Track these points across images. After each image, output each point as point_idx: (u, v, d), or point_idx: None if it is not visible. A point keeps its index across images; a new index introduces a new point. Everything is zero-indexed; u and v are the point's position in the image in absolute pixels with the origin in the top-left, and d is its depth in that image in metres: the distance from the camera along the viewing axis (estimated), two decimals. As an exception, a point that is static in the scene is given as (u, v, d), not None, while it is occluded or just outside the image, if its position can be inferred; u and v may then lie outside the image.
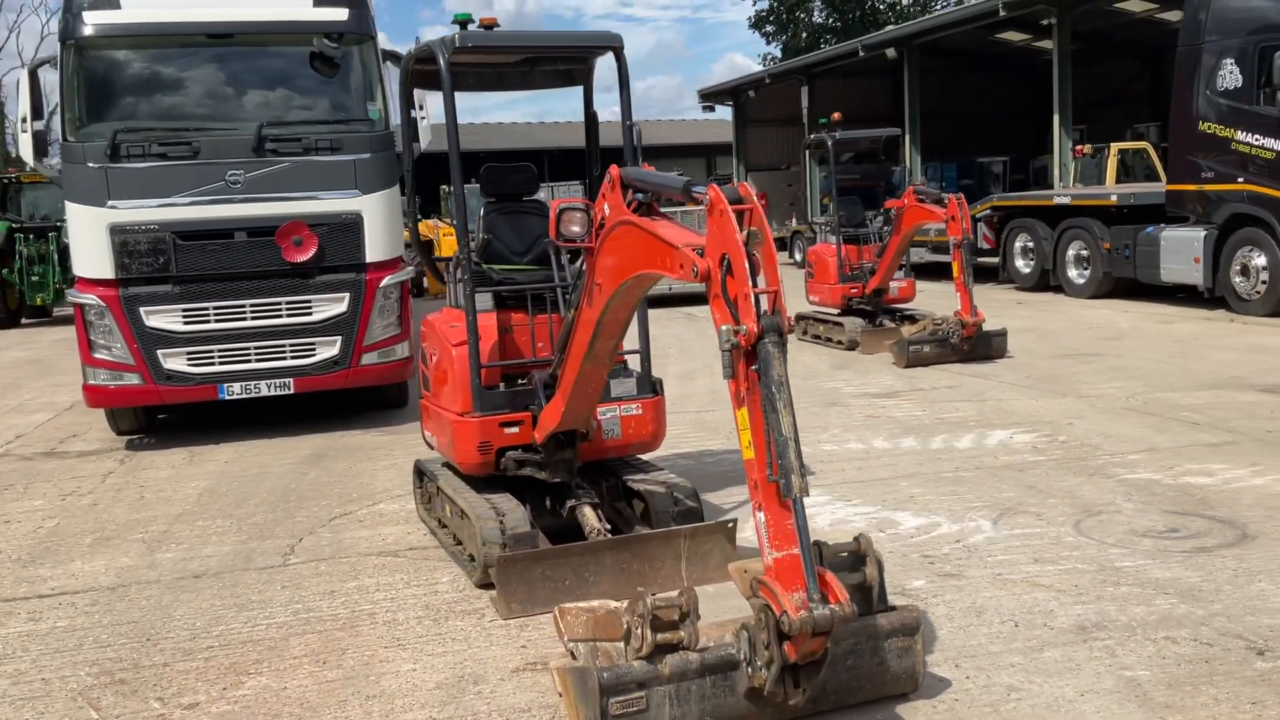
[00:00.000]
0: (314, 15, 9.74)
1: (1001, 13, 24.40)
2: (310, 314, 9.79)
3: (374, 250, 9.88)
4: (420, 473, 6.82)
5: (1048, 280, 18.34)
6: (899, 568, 5.47)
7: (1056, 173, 23.81)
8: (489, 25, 6.12)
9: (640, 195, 4.34)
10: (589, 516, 5.64)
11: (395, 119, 10.22)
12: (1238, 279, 14.71)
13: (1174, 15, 28.44)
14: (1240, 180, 14.45)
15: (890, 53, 29.49)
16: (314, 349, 9.83)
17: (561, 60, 6.33)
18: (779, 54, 50.20)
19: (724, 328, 3.60)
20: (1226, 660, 4.25)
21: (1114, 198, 17.07)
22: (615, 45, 5.92)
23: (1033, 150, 31.69)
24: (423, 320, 6.59)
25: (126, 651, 4.96)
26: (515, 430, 5.76)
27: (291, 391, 9.78)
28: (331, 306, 9.83)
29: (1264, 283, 14.32)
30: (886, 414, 9.40)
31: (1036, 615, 4.79)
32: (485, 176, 6.60)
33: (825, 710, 3.90)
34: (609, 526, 5.61)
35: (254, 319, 9.66)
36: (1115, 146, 22.73)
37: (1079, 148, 23.23)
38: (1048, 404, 9.49)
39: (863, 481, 7.22)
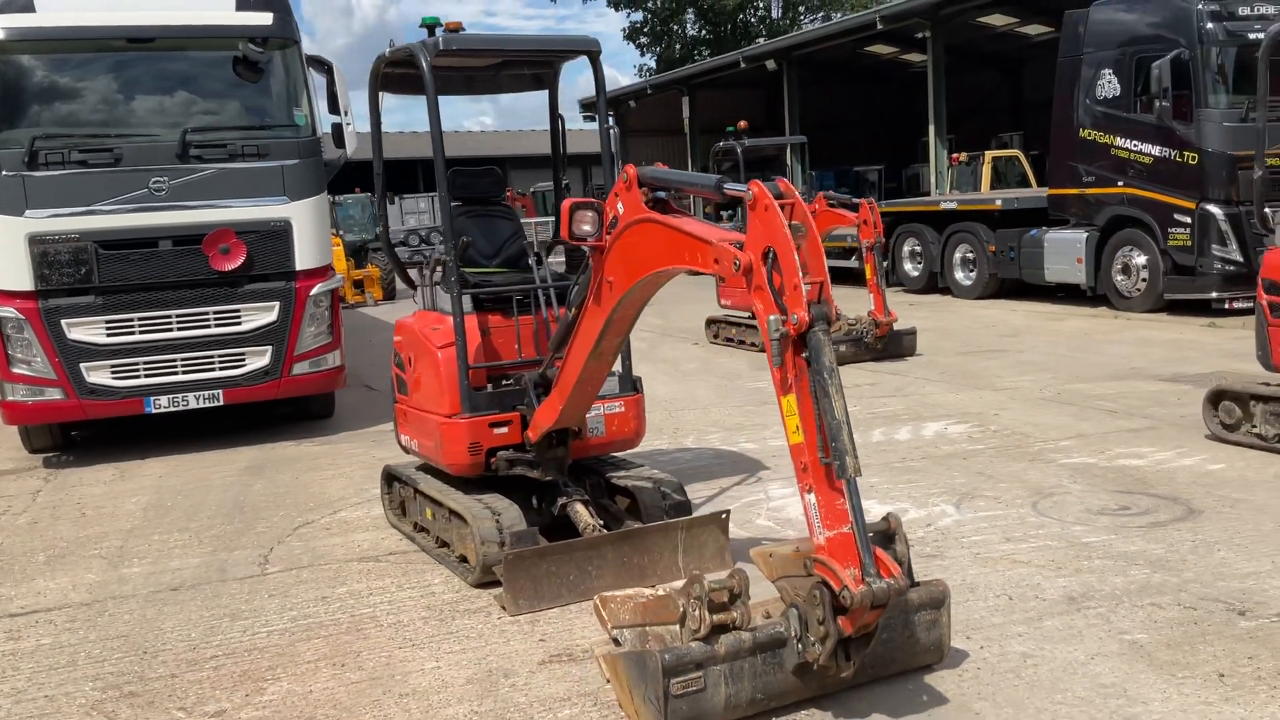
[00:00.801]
0: (237, 19, 9.56)
1: (879, 25, 25.31)
2: (239, 323, 9.58)
3: (304, 258, 9.74)
4: (391, 478, 6.78)
5: (936, 282, 19.04)
6: (882, 552, 5.68)
7: (933, 180, 24.74)
8: (455, 29, 6.18)
9: (661, 194, 4.46)
10: (582, 513, 5.71)
11: (324, 124, 10.13)
12: (1119, 277, 15.55)
13: (1033, 29, 29.95)
14: (1120, 184, 15.29)
15: (770, 64, 30.27)
16: (244, 359, 9.63)
17: (536, 64, 6.40)
18: (654, 65, 50.74)
19: (771, 318, 3.74)
20: (1212, 621, 4.58)
21: (998, 202, 17.85)
22: (592, 50, 6.04)
23: (904, 158, 32.86)
24: (395, 325, 6.56)
25: (127, 665, 4.84)
26: (504, 430, 5.80)
27: (221, 403, 9.56)
28: (261, 315, 9.64)
29: (1144, 280, 15.18)
30: (820, 410, 9.68)
31: (1026, 589, 5.07)
32: (452, 180, 6.62)
33: (861, 682, 4.07)
34: (601, 522, 5.70)
35: (181, 330, 9.42)
36: (989, 154, 23.73)
37: (955, 156, 24.19)
38: (969, 397, 9.92)
39: (820, 474, 7.45)
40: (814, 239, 3.76)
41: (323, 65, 10.06)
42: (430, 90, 5.73)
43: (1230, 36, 14.10)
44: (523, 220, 7.13)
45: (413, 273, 6.94)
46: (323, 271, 9.99)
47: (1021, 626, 4.64)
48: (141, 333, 9.30)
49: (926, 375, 11.23)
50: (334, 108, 10.04)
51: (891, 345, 12.37)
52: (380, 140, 6.53)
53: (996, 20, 28.73)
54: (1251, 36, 14.16)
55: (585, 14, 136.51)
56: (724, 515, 5.61)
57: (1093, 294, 16.12)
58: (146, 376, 9.35)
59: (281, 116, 9.87)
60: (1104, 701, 3.93)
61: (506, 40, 5.94)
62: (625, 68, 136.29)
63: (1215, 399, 7.78)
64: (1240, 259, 14.09)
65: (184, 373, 9.44)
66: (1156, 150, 14.75)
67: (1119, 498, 6.51)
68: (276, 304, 9.66)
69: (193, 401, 9.46)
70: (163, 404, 9.37)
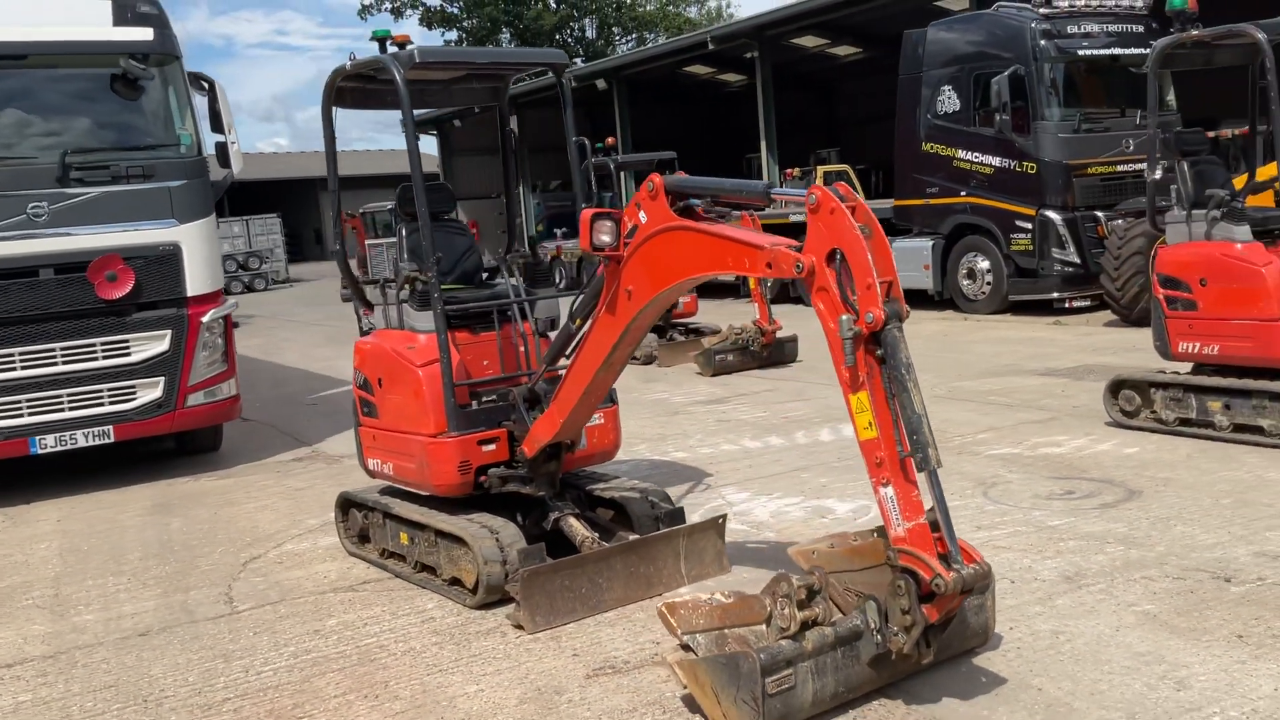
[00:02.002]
0: (116, 35, 9.07)
1: (711, 45, 26.00)
2: (129, 354, 9.06)
3: (195, 283, 9.29)
4: (349, 505, 6.55)
5: (788, 292, 19.60)
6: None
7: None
8: (403, 42, 6.07)
9: (696, 201, 4.51)
10: (577, 527, 5.68)
11: (208, 144, 9.70)
12: (965, 282, 16.41)
13: (843, 50, 31.30)
14: (963, 194, 16.16)
15: (600, 83, 30.58)
16: (135, 392, 9.11)
17: (498, 77, 6.34)
18: (469, 84, 50.43)
19: (844, 318, 3.84)
20: (1206, 590, 4.93)
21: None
22: (559, 63, 6.03)
23: (729, 175, 33.75)
24: (355, 347, 6.35)
25: (131, 714, 4.53)
26: (493, 448, 5.71)
27: (112, 440, 9.01)
28: (152, 345, 9.15)
29: (989, 284, 16.07)
30: (734, 418, 9.88)
31: (1022, 572, 5.33)
32: (402, 196, 6.48)
33: (920, 669, 4.20)
34: (596, 534, 5.67)
35: (66, 363, 8.84)
36: (821, 169, 24.60)
37: (789, 170, 25.01)
38: (869, 399, 10.28)
39: (766, 477, 7.62)
40: (880, 239, 3.89)
41: (205, 82, 9.63)
42: (406, 104, 5.60)
43: (1061, 53, 15.13)
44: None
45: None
46: (214, 297, 9.56)
47: (1037, 607, 4.88)
48: (24, 368, 8.69)
49: (817, 380, 11.57)
50: (217, 126, 9.64)
51: (775, 352, 12.72)
52: (335, 155, 6.33)
53: (809, 42, 29.87)
54: (1080, 53, 15.27)
55: (398, 30, 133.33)
56: (720, 520, 5.68)
57: (940, 298, 16.95)
58: (30, 415, 8.73)
59: (165, 136, 9.40)
60: (1148, 668, 4.18)
61: (478, 54, 5.86)
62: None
63: (1115, 388, 8.34)
64: (1078, 260, 15.10)
65: (71, 409, 8.87)
66: (996, 161, 15.66)
67: (1060, 483, 6.90)
68: (168, 333, 9.19)
69: (81, 440, 8.89)
70: (49, 444, 8.77)
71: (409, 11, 50.63)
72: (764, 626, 3.93)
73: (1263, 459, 7.07)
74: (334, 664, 4.91)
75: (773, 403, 10.45)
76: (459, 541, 5.53)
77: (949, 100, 16.25)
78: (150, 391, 9.15)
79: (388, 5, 50.34)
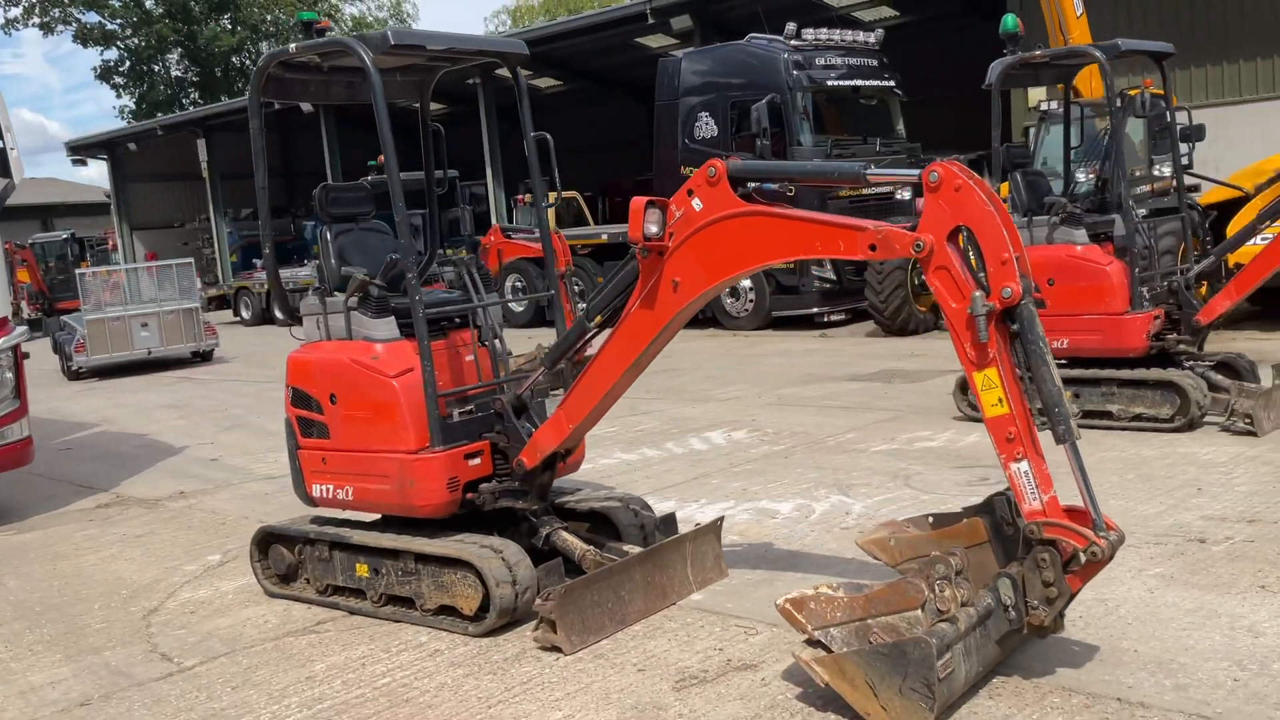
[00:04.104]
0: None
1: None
2: (-98, 392, 7.69)
3: (-24, 307, 8.05)
4: (272, 541, 5.83)
5: (543, 315, 19.52)
6: (840, 545, 5.90)
7: (495, 221, 25.37)
8: (323, 29, 5.59)
9: (772, 185, 4.38)
10: (571, 540, 5.34)
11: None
12: (728, 300, 16.98)
13: (545, 82, 31.61)
14: (724, 215, 16.71)
15: (306, 106, 29.25)
16: (-93, 436, 7.73)
17: (427, 70, 5.93)
18: (134, 106, 46.90)
19: (976, 294, 3.84)
20: (1192, 552, 5.31)
21: (604, 236, 18.75)
22: (520, 53, 5.70)
23: (450, 204, 33.27)
24: (289, 361, 5.66)
25: (157, 795, 3.80)
26: (477, 462, 5.27)
27: (-115, 493, 7.59)
28: (-71, 381, 7.81)
29: (751, 301, 16.72)
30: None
31: (1014, 550, 5.53)
32: (326, 199, 5.90)
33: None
34: (591, 547, 5.36)
35: None
36: (552, 195, 24.69)
37: (520, 197, 24.95)
38: (706, 409, 10.40)
39: (681, 484, 7.51)
40: (1005, 213, 3.92)
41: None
42: (379, 94, 5.10)
43: (812, 82, 16.04)
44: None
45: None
46: (1, 324, 8.30)
47: (1059, 579, 5.07)
48: None
49: (639, 395, 11.55)
50: (-6, 132, 8.42)
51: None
52: (264, 151, 5.64)
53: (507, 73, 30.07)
54: (829, 84, 16.24)
55: (59, 48, 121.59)
56: (719, 523, 5.53)
57: (702, 315, 17.42)
58: None
59: (-61, 139, 8.09)
60: (1211, 622, 4.45)
61: (449, 39, 5.40)
62: (87, 108, 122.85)
63: (965, 385, 8.86)
64: (834, 277, 16.03)
65: None
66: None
67: (967, 472, 7.23)
68: (-51, 366, 7.88)
69: None
70: None
71: (61, 28, 46.43)
72: (918, 612, 3.83)
73: (1124, 439, 7.73)
74: (362, 710, 4.33)
75: (618, 416, 10.30)
76: (454, 565, 5.05)
77: (706, 126, 16.81)
78: (-75, 435, 7.80)
79: (35, 20, 45.97)
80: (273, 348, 20.88)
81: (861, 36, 17.03)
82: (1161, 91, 9.63)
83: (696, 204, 4.53)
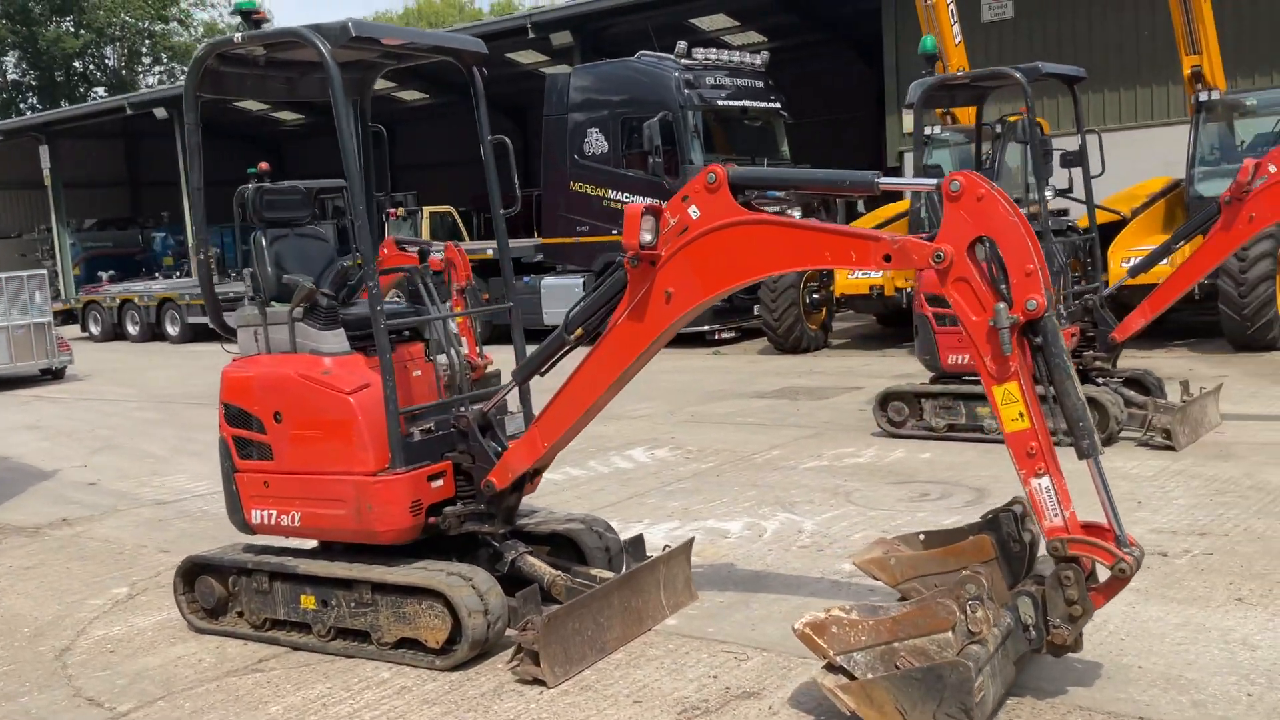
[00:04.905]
0: None
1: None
2: None
3: None
4: (201, 573, 5.36)
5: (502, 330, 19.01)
6: (803, 564, 5.78)
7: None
8: (260, 20, 5.24)
9: (776, 194, 4.21)
10: (539, 565, 5.07)
11: None
12: (617, 318, 16.79)
13: (410, 94, 31.08)
14: (614, 232, 16.50)
15: (160, 113, 28.08)
16: None
17: (370, 67, 5.61)
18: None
19: (999, 306, 3.75)
20: (1157, 566, 5.33)
21: (490, 252, 18.34)
22: (478, 51, 5.41)
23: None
24: (224, 376, 5.22)
25: None
26: (440, 483, 4.95)
27: None
28: None
29: (641, 319, 16.57)
30: (501, 454, 9.33)
31: (982, 567, 5.49)
32: (260, 203, 5.50)
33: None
34: (560, 572, 5.08)
35: None
36: (428, 210, 24.20)
37: (393, 210, 24.30)
38: (621, 427, 10.16)
39: (616, 504, 7.29)
40: (1027, 225, 3.84)
41: None
42: (337, 88, 4.78)
43: (703, 101, 16.04)
44: None
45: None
46: None
47: (1037, 595, 5.03)
48: None
49: (542, 414, 11.27)
50: None
51: (483, 387, 12.20)
52: (199, 147, 5.21)
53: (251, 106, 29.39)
54: (719, 104, 16.27)
55: None
56: (689, 544, 5.33)
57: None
58: None
59: None
60: (1204, 636, 4.46)
61: (406, 33, 5.08)
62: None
63: (884, 401, 8.89)
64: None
65: None
66: (647, 201, 16.20)
67: (905, 488, 7.21)
68: None
69: None
70: None
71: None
72: (949, 634, 3.70)
73: (1049, 455, 7.83)
74: (341, 755, 3.98)
75: (525, 437, 10.01)
76: (419, 594, 4.72)
77: (596, 142, 16.65)
78: None
79: None
80: (128, 364, 19.87)
81: (749, 58, 17.16)
82: (1042, 120, 9.90)
83: (693, 211, 4.36)
